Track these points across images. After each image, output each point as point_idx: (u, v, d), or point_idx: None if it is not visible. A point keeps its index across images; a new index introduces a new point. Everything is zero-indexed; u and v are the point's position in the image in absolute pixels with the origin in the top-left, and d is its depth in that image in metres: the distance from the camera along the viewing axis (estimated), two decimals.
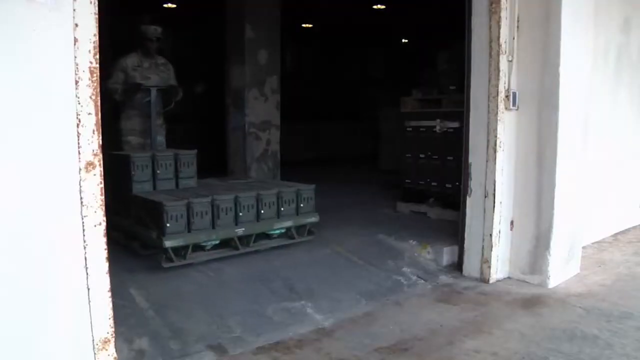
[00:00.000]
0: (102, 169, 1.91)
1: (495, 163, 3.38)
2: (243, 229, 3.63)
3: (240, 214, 3.62)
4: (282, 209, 3.84)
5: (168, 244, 3.26)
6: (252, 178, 5.00)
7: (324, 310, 2.95)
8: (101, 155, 1.90)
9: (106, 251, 1.94)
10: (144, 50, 4.53)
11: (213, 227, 3.50)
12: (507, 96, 3.35)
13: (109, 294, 1.96)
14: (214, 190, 3.81)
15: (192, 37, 9.17)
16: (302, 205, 3.97)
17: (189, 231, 3.38)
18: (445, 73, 5.34)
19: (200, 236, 3.44)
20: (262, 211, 3.74)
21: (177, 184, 3.95)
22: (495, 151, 3.37)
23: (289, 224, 3.90)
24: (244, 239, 3.67)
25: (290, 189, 3.97)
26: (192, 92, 4.74)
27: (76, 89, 1.82)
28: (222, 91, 6.59)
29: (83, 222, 1.87)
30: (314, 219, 4.03)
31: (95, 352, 1.93)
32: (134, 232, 3.73)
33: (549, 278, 3.34)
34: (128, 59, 4.49)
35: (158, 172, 3.84)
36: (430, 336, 2.65)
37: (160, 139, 4.63)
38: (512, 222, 3.52)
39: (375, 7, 9.81)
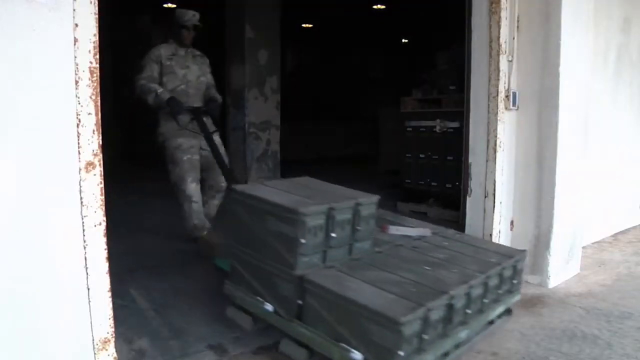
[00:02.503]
0: (102, 168, 1.91)
1: (495, 163, 3.38)
2: (467, 331, 2.28)
3: (469, 311, 2.29)
4: (499, 291, 2.58)
5: None
6: (430, 227, 3.11)
7: None
8: (101, 155, 1.90)
9: (106, 251, 1.94)
10: (178, 40, 3.86)
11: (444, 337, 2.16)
12: (507, 96, 3.36)
13: (109, 294, 1.96)
14: (408, 262, 2.47)
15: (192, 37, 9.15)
16: (515, 281, 2.69)
17: (417, 353, 2.02)
18: (445, 73, 5.35)
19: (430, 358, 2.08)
20: (486, 300, 2.44)
21: (350, 250, 2.47)
22: (495, 151, 3.38)
23: (500, 310, 2.61)
24: None
25: (509, 261, 2.63)
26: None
27: (76, 89, 1.81)
28: (222, 91, 6.58)
29: (83, 222, 1.87)
30: (517, 297, 2.77)
31: (95, 352, 1.92)
32: (298, 335, 2.26)
33: (549, 278, 3.34)
34: (162, 49, 3.84)
35: (333, 235, 2.33)
36: None
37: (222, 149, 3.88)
38: (512, 222, 3.53)
39: (375, 7, 9.83)
